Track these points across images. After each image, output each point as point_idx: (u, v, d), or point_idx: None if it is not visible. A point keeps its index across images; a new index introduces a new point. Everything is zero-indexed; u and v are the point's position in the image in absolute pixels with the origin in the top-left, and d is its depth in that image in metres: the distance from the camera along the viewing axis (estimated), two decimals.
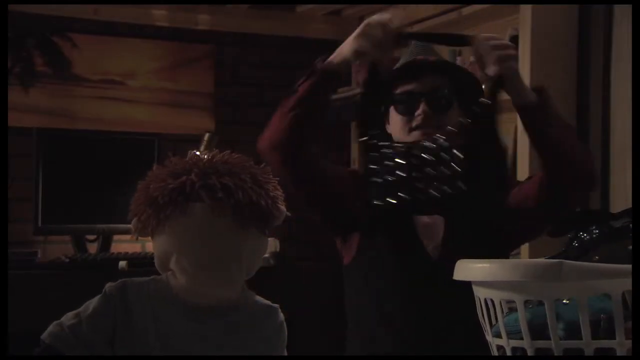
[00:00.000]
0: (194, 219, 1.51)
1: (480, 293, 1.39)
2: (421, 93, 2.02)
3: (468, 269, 1.38)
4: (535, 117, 1.92)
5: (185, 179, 1.51)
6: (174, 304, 1.53)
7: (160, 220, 1.52)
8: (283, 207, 1.58)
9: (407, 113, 2.02)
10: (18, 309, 2.47)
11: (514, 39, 3.15)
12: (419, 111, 2.00)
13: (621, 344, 1.25)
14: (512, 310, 1.36)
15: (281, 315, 1.62)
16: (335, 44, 4.65)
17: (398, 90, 2.05)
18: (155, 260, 1.58)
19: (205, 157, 1.59)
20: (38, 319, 1.65)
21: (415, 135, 2.00)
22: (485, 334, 1.43)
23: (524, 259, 1.31)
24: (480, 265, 1.35)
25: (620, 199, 2.94)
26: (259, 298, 1.63)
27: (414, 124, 2.01)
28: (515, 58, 1.90)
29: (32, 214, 3.52)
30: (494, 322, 1.39)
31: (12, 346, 1.78)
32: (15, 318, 2.17)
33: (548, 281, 1.26)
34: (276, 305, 1.64)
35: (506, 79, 1.87)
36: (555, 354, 1.28)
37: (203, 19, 3.95)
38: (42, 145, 3.55)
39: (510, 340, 1.35)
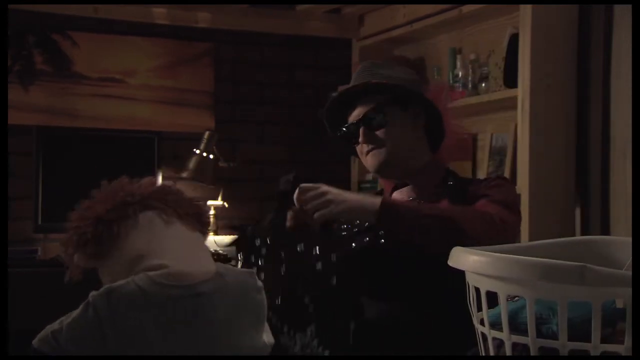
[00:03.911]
0: (149, 224, 1.63)
1: (477, 283, 1.38)
2: (353, 124, 2.13)
3: (472, 261, 1.36)
4: (384, 230, 1.99)
5: (129, 193, 1.67)
6: (163, 289, 1.54)
7: (113, 235, 1.60)
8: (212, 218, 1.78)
9: (354, 143, 2.16)
10: (18, 308, 2.47)
11: (514, 37, 3.16)
12: (361, 138, 2.12)
13: (627, 349, 1.25)
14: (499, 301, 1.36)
15: (259, 281, 1.68)
16: (335, 42, 4.65)
17: (344, 128, 2.16)
18: (123, 264, 1.60)
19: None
20: (38, 318, 1.65)
21: (367, 161, 2.14)
22: (472, 317, 1.44)
23: (540, 258, 1.28)
24: (488, 259, 1.33)
25: (620, 198, 2.95)
26: (235, 267, 1.74)
27: (364, 151, 2.14)
28: (333, 202, 1.93)
29: (32, 212, 3.52)
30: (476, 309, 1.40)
31: (12, 345, 1.78)
32: (16, 316, 2.17)
33: (568, 284, 1.25)
34: (252, 270, 1.72)
35: (333, 218, 1.99)
36: (561, 354, 1.28)
37: (203, 17, 3.95)
38: (42, 143, 3.55)
39: (492, 331, 1.37)
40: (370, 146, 2.12)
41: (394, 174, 2.17)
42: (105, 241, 1.60)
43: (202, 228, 1.71)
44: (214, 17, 3.96)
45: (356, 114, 2.13)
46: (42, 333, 1.53)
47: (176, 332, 1.53)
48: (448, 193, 2.08)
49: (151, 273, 1.55)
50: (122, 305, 1.53)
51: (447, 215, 1.91)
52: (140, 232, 1.61)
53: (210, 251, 1.75)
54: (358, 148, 2.17)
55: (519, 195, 2.15)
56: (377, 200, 1.93)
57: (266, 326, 1.64)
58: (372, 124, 2.11)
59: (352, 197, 1.98)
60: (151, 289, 1.54)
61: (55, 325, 1.53)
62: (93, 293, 1.55)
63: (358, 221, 2.08)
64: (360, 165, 4.13)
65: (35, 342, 1.52)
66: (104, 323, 1.51)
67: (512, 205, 2.00)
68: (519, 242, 2.07)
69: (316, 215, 1.91)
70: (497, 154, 3.40)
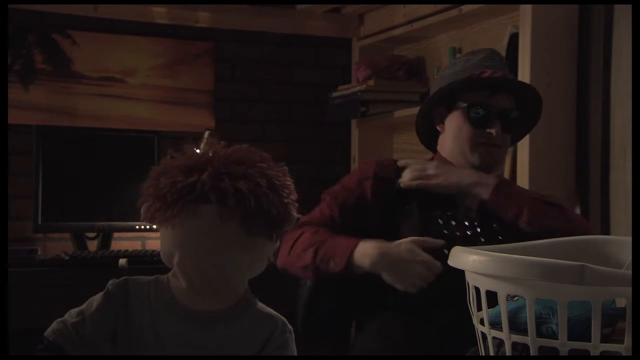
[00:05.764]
0: (201, 223, 1.45)
1: (477, 282, 1.38)
2: (497, 111, 2.05)
3: (472, 261, 1.35)
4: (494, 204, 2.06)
5: (196, 179, 1.45)
6: (171, 307, 1.52)
7: (167, 216, 1.47)
8: (294, 213, 1.52)
9: (479, 127, 2.06)
10: (18, 307, 2.47)
11: (514, 37, 3.16)
12: (492, 130, 2.04)
13: (627, 348, 1.25)
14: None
15: (279, 326, 1.56)
16: (335, 41, 4.64)
17: (472, 101, 2.06)
18: (161, 254, 1.55)
19: (222, 152, 1.52)
20: (38, 317, 1.65)
21: (481, 151, 2.06)
22: (472, 317, 1.44)
23: (540, 258, 1.27)
24: (488, 258, 1.33)
25: (620, 197, 2.95)
26: (261, 306, 1.58)
27: (483, 140, 2.06)
28: (441, 176, 2.06)
29: (32, 211, 3.52)
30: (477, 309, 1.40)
31: (12, 344, 1.78)
32: (16, 315, 2.17)
33: (568, 284, 1.25)
34: (276, 315, 1.58)
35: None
36: (561, 354, 1.28)
37: (203, 16, 3.95)
38: (42, 142, 3.55)
39: (492, 330, 1.37)
40: (492, 140, 2.05)
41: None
42: (157, 219, 1.49)
43: (269, 232, 1.49)
44: (214, 17, 3.96)
45: (491, 103, 2.05)
46: (56, 326, 1.50)
47: (173, 349, 1.52)
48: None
49: (173, 285, 1.52)
50: (132, 301, 1.52)
51: (551, 201, 2.05)
52: (191, 226, 1.46)
53: (262, 263, 1.53)
54: (467, 132, 2.07)
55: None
56: (489, 176, 2.00)
57: None
58: (508, 124, 2.05)
59: (463, 172, 2.02)
60: (162, 301, 1.52)
61: (72, 318, 1.51)
62: (113, 281, 1.54)
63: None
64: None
65: (49, 335, 1.50)
66: (118, 309, 1.51)
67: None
68: None
69: (413, 182, 2.02)
70: None
